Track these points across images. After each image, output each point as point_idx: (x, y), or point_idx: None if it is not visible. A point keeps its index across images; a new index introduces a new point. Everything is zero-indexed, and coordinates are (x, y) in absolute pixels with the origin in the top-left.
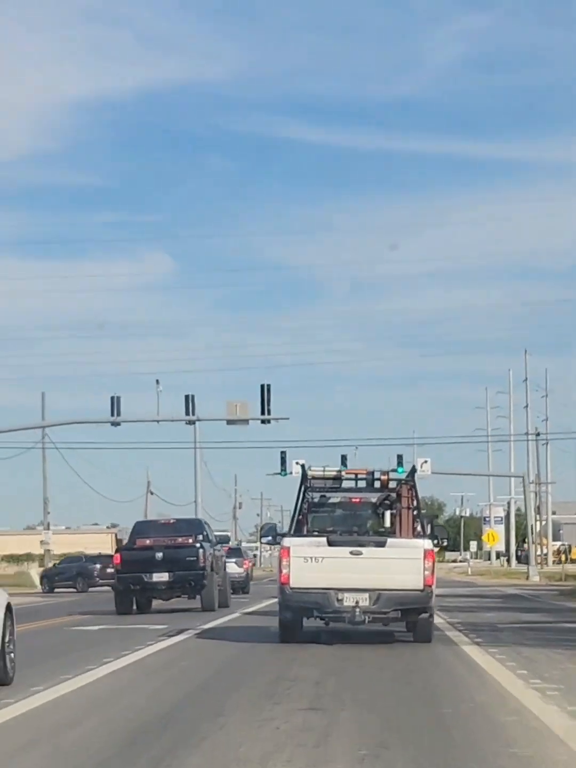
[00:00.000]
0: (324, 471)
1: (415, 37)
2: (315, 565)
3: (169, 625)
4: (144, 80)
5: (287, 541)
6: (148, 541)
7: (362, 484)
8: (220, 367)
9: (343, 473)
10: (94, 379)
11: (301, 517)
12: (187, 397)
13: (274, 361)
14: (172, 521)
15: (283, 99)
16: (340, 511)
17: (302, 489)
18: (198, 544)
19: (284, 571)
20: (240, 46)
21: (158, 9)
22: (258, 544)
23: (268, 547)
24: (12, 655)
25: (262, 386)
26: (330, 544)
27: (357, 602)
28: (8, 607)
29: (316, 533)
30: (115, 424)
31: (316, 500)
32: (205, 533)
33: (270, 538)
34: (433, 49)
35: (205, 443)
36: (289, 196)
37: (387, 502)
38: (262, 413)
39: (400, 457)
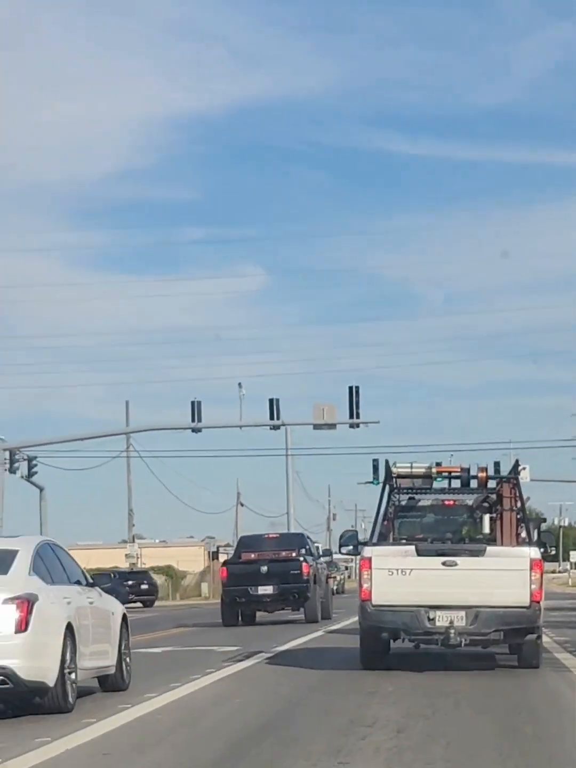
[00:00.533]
0: (411, 468)
1: (506, 47)
2: (401, 578)
3: (241, 647)
4: (236, 95)
5: (368, 551)
6: (253, 555)
7: (456, 483)
8: (310, 379)
9: (433, 471)
10: (184, 394)
11: (385, 522)
12: (271, 400)
13: (366, 373)
14: (276, 535)
15: (375, 111)
16: (430, 515)
17: (386, 490)
18: (302, 558)
19: (365, 585)
20: (331, 60)
21: (250, 24)
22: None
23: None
24: (127, 661)
25: (351, 388)
26: (419, 553)
27: (451, 622)
28: (124, 618)
29: (403, 541)
30: (196, 430)
31: (402, 503)
32: (307, 547)
33: (350, 547)
34: (524, 58)
35: (293, 450)
36: (382, 208)
37: (486, 504)
38: (351, 417)
39: (497, 465)
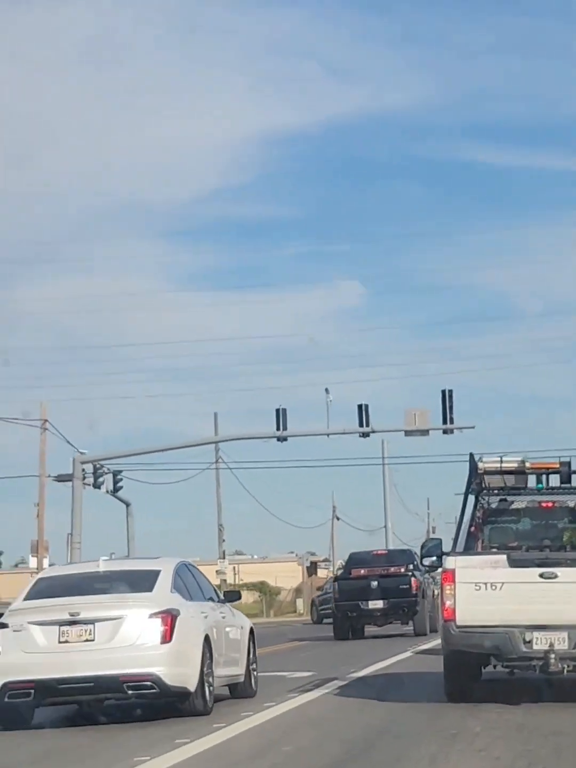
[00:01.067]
0: (501, 463)
1: None
2: (491, 593)
3: (315, 672)
4: (332, 111)
5: (450, 562)
6: (363, 571)
7: (555, 481)
8: (404, 390)
9: (527, 466)
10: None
11: (472, 528)
12: (360, 406)
13: (463, 384)
14: (384, 552)
15: (470, 122)
16: (525, 519)
17: (471, 490)
18: (410, 573)
19: (447, 602)
20: (424, 72)
21: (342, 40)
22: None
23: None
24: (254, 671)
25: (444, 392)
26: (512, 563)
27: (551, 644)
28: (251, 632)
29: (493, 550)
30: (281, 439)
31: (492, 506)
32: (415, 562)
33: (434, 558)
34: None
35: (386, 459)
36: (478, 219)
37: None
38: (444, 422)
39: None
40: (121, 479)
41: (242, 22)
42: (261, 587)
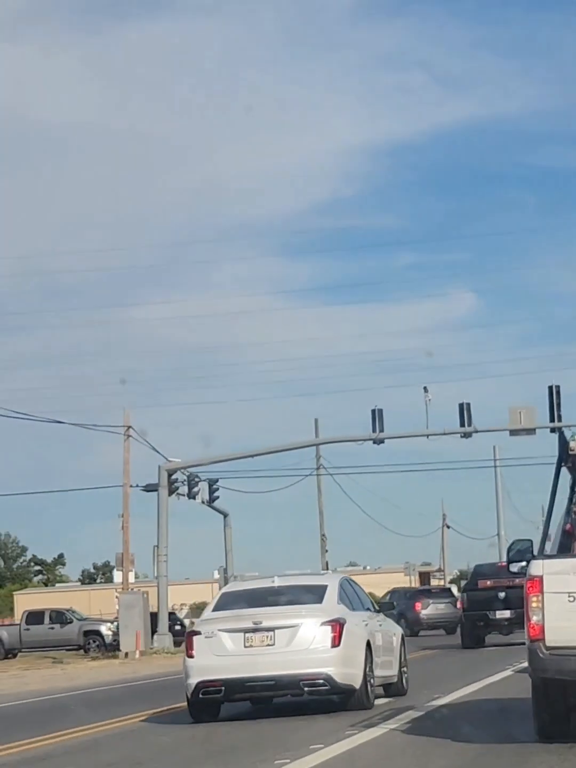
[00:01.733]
0: None
1: None
2: None
3: (391, 699)
4: (441, 120)
5: (537, 567)
6: (489, 583)
7: None
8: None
9: None
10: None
11: (568, 526)
12: (461, 405)
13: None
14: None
15: None
16: None
17: (561, 477)
18: None
19: (533, 618)
20: (537, 80)
21: (452, 49)
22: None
23: None
24: (406, 672)
25: (551, 388)
26: None
27: None
28: (402, 638)
29: None
30: (378, 441)
31: None
32: None
33: (523, 563)
34: None
35: (484, 462)
36: None
37: None
38: (551, 420)
39: None
40: (218, 488)
41: (351, 35)
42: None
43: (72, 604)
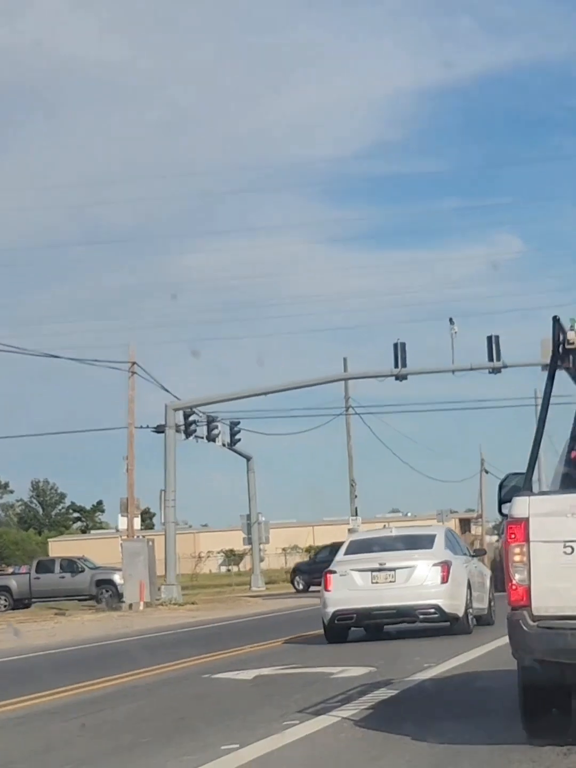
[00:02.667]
0: None
1: None
2: None
3: (374, 668)
4: (487, 64)
5: (521, 506)
6: None
7: None
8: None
9: None
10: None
11: (572, 453)
12: (490, 338)
13: None
14: None
15: None
16: None
17: (554, 379)
18: None
19: (516, 577)
20: None
21: None
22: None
23: None
24: (493, 606)
25: None
26: None
27: None
28: (491, 578)
29: None
30: (400, 377)
31: None
32: None
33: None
34: None
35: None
36: None
37: None
38: None
39: None
40: (239, 431)
41: None
42: None
43: (104, 551)
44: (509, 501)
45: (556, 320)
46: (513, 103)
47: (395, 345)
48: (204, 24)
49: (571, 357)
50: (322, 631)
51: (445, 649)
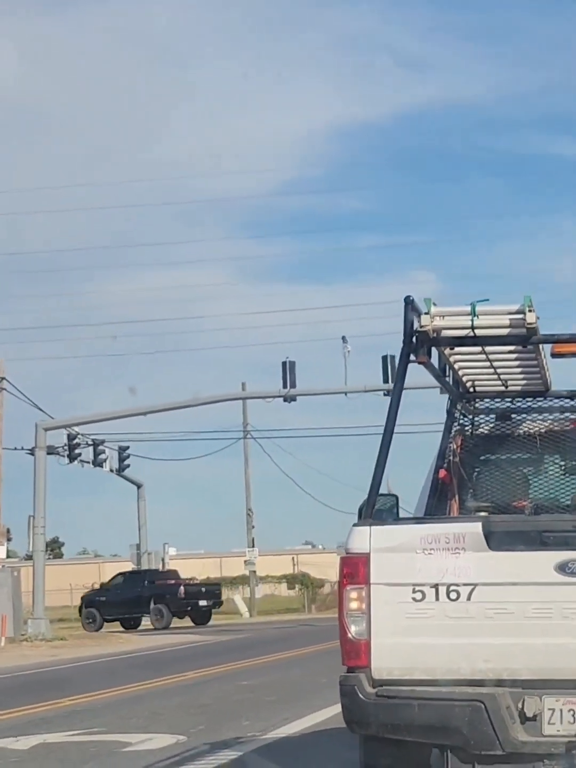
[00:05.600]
0: (472, 317)
1: None
2: (447, 607)
3: (188, 737)
4: (404, 103)
5: (360, 537)
6: None
7: None
8: None
9: (529, 321)
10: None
11: (440, 473)
12: (384, 358)
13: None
14: None
15: (542, 115)
16: (547, 456)
17: (405, 377)
18: None
19: (352, 628)
20: (500, 64)
21: (414, 32)
22: None
23: None
24: None
25: None
26: (493, 541)
27: None
28: None
29: (474, 511)
30: (289, 398)
31: (480, 429)
32: None
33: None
34: None
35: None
36: (555, 212)
37: None
38: None
39: None
40: (128, 455)
41: (314, 16)
42: (302, 580)
43: None
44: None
45: (408, 302)
46: (430, 141)
47: (284, 363)
48: (122, 57)
49: (427, 349)
50: (175, 677)
51: (286, 707)
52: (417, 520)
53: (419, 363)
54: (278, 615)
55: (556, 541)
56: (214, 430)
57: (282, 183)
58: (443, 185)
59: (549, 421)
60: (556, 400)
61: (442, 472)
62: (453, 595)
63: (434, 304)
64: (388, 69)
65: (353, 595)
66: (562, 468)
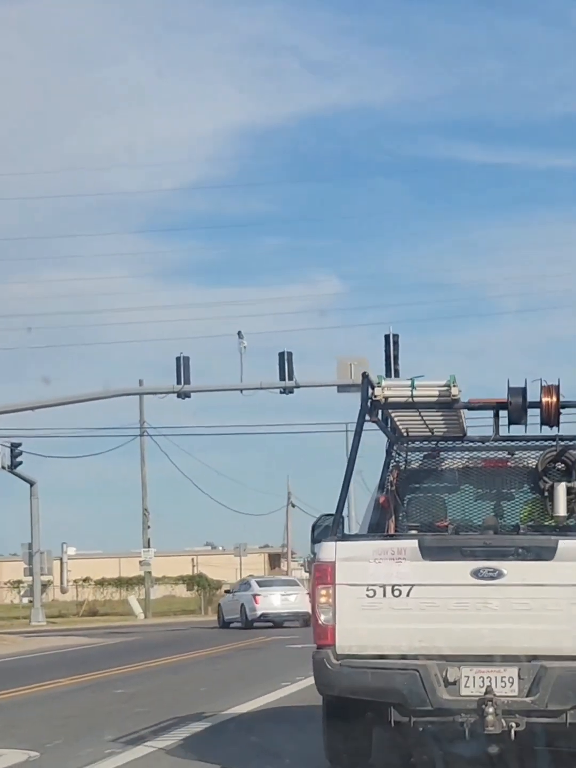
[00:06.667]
0: (411, 389)
1: None
2: (392, 602)
3: (41, 753)
4: (310, 106)
5: (328, 550)
6: None
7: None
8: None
9: (454, 390)
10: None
11: (381, 498)
12: (281, 355)
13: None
14: None
15: (449, 121)
16: (466, 486)
17: (362, 430)
18: None
19: (322, 617)
20: (407, 69)
21: (322, 36)
22: None
23: None
24: None
25: (387, 337)
26: (427, 554)
27: (489, 688)
28: None
29: (412, 531)
30: (182, 394)
31: (412, 464)
32: None
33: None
34: None
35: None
36: (460, 217)
37: (561, 464)
38: (387, 374)
39: None
40: (20, 452)
41: (220, 18)
42: (199, 581)
43: None
44: (321, 541)
45: (364, 376)
46: (336, 145)
47: (178, 359)
48: (27, 53)
49: (378, 411)
50: (46, 684)
51: (158, 718)
52: (368, 537)
53: (372, 422)
54: (174, 617)
55: (471, 553)
56: (112, 427)
57: (188, 182)
58: (347, 189)
59: (465, 459)
60: (470, 443)
61: (382, 498)
62: (396, 593)
63: (384, 379)
64: (294, 71)
65: (323, 592)
66: (475, 496)
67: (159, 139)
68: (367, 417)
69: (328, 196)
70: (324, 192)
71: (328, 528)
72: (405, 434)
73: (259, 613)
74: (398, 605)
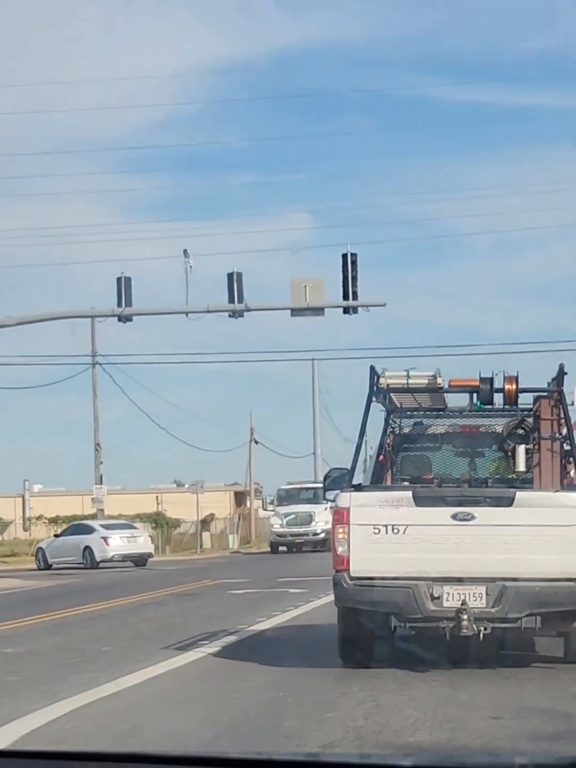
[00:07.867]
0: (407, 379)
1: None
2: (393, 538)
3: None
4: (281, 42)
5: (344, 499)
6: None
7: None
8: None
9: (439, 380)
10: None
11: (381, 457)
12: (230, 276)
13: (417, 320)
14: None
15: (420, 57)
16: (447, 447)
17: (370, 408)
18: None
19: (339, 548)
20: (378, 5)
21: None
22: None
23: None
24: None
25: (344, 256)
26: (419, 501)
27: (464, 601)
28: None
29: (404, 483)
30: (124, 318)
31: (405, 430)
32: None
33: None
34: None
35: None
36: (429, 154)
37: (520, 430)
38: (345, 297)
39: (561, 367)
40: None
41: None
42: (157, 519)
43: None
44: (332, 489)
45: (372, 369)
46: (308, 81)
47: (119, 279)
48: None
49: (383, 395)
50: None
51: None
52: (376, 488)
53: (377, 402)
54: None
55: (451, 501)
56: (60, 354)
57: (158, 118)
58: (319, 125)
59: (446, 426)
60: (451, 413)
61: (382, 457)
62: (395, 531)
63: (386, 371)
64: (266, 6)
65: (340, 530)
66: (454, 454)
67: (130, 74)
68: (374, 399)
69: (301, 133)
70: (296, 129)
71: (336, 479)
72: (399, 406)
73: (110, 554)
74: (397, 540)
